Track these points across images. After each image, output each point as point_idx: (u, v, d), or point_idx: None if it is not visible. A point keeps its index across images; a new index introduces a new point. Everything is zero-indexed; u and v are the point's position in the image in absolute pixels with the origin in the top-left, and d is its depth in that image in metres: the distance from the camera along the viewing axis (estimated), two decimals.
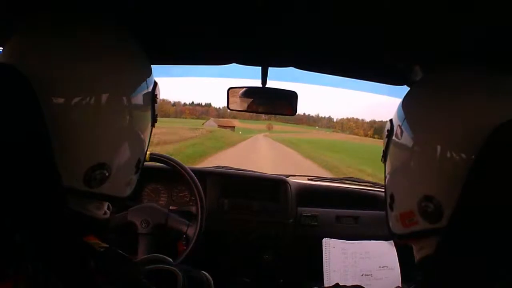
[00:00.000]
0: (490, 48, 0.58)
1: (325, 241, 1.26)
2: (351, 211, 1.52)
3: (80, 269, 0.43)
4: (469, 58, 0.58)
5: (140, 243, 1.24)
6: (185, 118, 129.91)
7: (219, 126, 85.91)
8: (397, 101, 0.62)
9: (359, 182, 1.81)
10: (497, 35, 0.54)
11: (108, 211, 0.60)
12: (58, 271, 0.41)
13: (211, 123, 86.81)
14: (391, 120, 0.61)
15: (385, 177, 0.62)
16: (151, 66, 0.63)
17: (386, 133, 0.61)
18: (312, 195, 1.61)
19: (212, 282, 0.59)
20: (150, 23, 0.72)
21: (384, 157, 0.62)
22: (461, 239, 0.44)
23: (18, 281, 0.41)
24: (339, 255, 1.23)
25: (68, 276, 0.41)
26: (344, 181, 1.79)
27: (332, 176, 2.00)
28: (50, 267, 0.41)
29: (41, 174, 0.44)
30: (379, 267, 1.20)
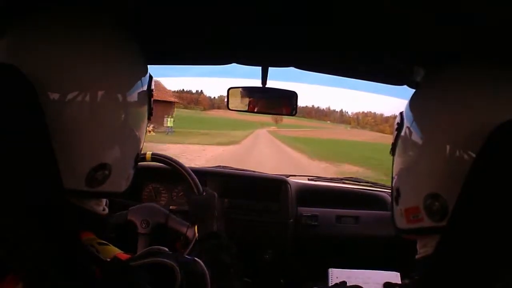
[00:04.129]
0: (490, 45, 0.61)
1: (331, 271, 1.22)
2: (351, 211, 1.57)
3: (78, 266, 0.46)
4: (471, 56, 0.60)
5: (139, 242, 1.29)
6: None
7: None
8: (398, 101, 0.54)
9: (359, 182, 1.86)
10: (497, 32, 0.57)
11: (106, 208, 0.62)
12: (57, 267, 0.43)
13: None
14: (401, 113, 0.63)
15: (392, 170, 0.64)
16: (150, 64, 0.67)
17: (396, 126, 0.64)
18: (312, 195, 1.66)
19: (208, 273, 0.62)
20: (150, 23, 0.75)
21: (393, 150, 0.64)
22: (461, 238, 0.45)
23: (18, 278, 0.43)
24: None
25: (67, 272, 0.44)
26: (344, 181, 1.84)
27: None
28: (49, 263, 0.43)
29: (42, 173, 0.46)
30: None
